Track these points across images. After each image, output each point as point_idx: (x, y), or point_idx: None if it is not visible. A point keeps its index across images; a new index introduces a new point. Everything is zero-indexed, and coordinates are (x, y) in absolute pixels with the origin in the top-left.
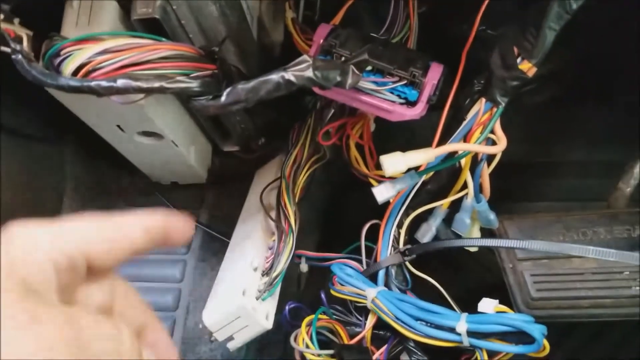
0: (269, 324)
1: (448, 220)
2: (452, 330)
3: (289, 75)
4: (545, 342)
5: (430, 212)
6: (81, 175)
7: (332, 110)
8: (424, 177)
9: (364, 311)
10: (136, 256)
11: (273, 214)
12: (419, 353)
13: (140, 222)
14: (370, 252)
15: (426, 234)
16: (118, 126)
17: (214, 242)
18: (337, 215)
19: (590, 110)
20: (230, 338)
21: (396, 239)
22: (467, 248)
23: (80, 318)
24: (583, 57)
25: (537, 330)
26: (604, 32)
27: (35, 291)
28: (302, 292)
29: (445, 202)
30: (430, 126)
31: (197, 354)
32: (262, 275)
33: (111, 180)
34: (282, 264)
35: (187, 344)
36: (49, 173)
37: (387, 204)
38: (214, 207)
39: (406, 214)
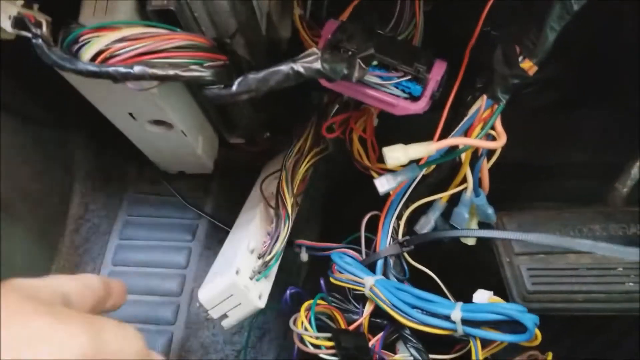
0: (261, 303)
1: (447, 214)
2: (447, 318)
3: (298, 66)
4: (537, 332)
5: (429, 205)
6: (91, 164)
7: (337, 106)
8: (424, 171)
9: (362, 299)
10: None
11: (273, 203)
12: (414, 340)
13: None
14: (369, 243)
15: (425, 226)
16: (130, 114)
17: (219, 231)
18: (338, 209)
19: (590, 113)
20: (225, 316)
21: (395, 230)
22: (464, 242)
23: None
24: (583, 61)
25: (530, 320)
26: (603, 36)
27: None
28: (302, 281)
29: (444, 196)
30: (432, 124)
31: (200, 338)
32: (259, 257)
33: (120, 169)
34: (277, 247)
35: (190, 328)
36: (60, 160)
37: (387, 197)
38: (219, 197)
39: (406, 206)
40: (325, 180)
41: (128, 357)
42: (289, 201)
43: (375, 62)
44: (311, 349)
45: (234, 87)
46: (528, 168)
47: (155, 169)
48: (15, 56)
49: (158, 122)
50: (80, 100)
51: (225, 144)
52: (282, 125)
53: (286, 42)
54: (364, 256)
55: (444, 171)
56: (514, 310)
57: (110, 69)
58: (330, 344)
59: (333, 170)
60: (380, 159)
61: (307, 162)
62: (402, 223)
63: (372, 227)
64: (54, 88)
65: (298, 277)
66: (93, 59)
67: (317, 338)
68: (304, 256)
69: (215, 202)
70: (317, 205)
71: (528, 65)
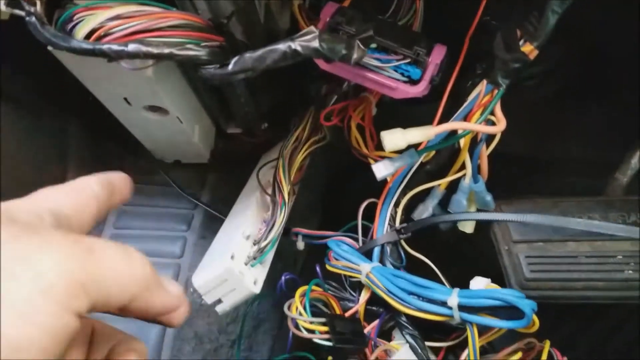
0: (256, 289)
1: (445, 204)
2: (443, 304)
3: (296, 45)
4: (535, 318)
5: (427, 193)
6: (85, 153)
7: (335, 97)
8: (423, 157)
9: (358, 288)
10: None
11: (270, 191)
12: (410, 327)
13: (90, 178)
14: (367, 231)
15: (423, 214)
16: (125, 99)
17: (214, 221)
18: (337, 198)
19: (592, 108)
20: (219, 301)
21: (393, 218)
22: (462, 229)
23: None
24: (584, 54)
25: (527, 306)
26: (604, 29)
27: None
28: (299, 271)
29: (443, 182)
30: (431, 115)
31: (194, 327)
32: (254, 244)
33: (114, 159)
34: (273, 233)
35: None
36: (55, 149)
37: (385, 185)
38: (215, 187)
39: (403, 193)
40: (324, 170)
41: (131, 283)
42: (286, 188)
43: (374, 45)
44: (305, 334)
45: (230, 66)
46: (526, 161)
47: (151, 158)
48: (11, 46)
49: (153, 108)
50: (76, 89)
51: (223, 135)
52: (280, 116)
53: (285, 34)
54: (360, 244)
55: (442, 158)
56: (512, 295)
57: (104, 47)
58: (325, 328)
59: (331, 159)
60: (379, 147)
61: (305, 151)
62: (399, 210)
63: (370, 215)
64: (50, 77)
65: (295, 267)
66: (87, 37)
67: (311, 323)
68: (301, 245)
69: (211, 192)
70: (316, 196)
71: (529, 49)
